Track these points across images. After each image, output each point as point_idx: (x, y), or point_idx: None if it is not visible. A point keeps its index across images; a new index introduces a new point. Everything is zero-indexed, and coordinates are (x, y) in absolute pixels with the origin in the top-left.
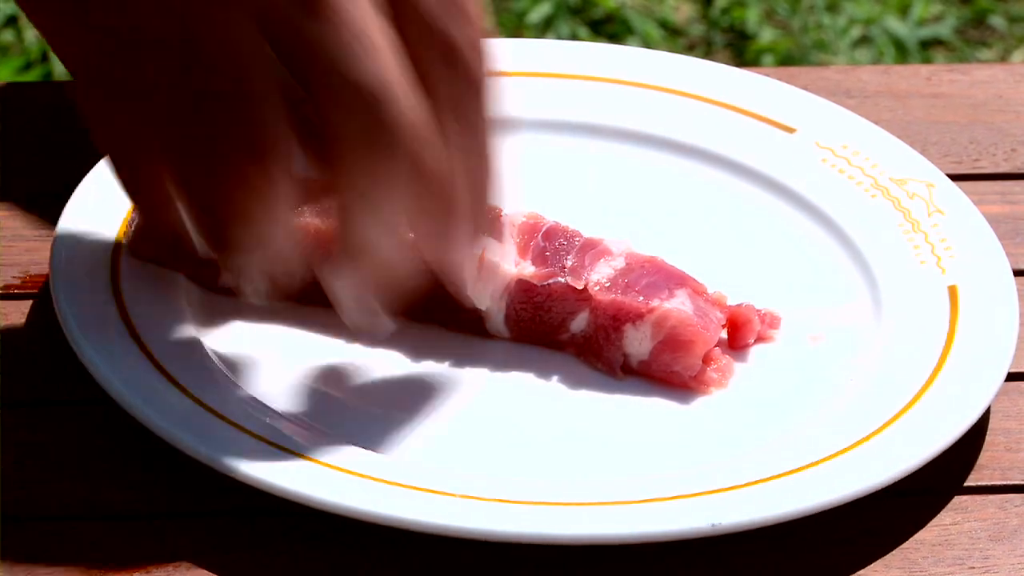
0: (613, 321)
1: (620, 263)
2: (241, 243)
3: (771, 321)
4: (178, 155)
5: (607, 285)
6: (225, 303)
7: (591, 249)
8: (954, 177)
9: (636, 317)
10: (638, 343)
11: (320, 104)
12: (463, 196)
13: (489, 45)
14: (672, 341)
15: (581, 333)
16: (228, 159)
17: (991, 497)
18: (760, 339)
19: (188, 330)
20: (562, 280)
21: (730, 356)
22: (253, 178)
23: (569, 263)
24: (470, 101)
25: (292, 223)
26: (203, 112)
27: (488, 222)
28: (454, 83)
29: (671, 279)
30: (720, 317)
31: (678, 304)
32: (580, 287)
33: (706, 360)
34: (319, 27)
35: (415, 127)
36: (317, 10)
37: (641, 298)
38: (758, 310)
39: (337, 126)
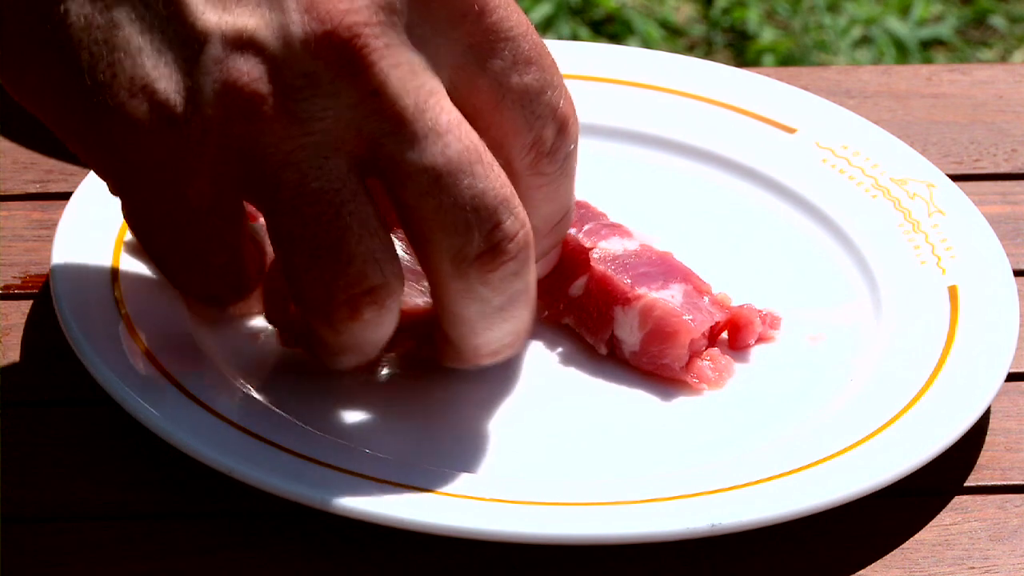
0: (604, 297)
1: (633, 246)
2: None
3: (771, 321)
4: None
5: (608, 259)
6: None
7: (612, 226)
8: (954, 177)
9: (624, 301)
10: (628, 331)
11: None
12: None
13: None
14: (658, 332)
15: (577, 301)
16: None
17: (991, 497)
18: (761, 339)
19: (188, 330)
20: (574, 233)
21: (730, 357)
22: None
23: (587, 228)
24: (557, 153)
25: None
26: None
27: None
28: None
29: (672, 273)
30: (713, 312)
31: (667, 296)
32: (587, 246)
33: (696, 354)
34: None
35: (520, 230)
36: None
37: (629, 281)
38: (759, 310)
39: (438, 243)
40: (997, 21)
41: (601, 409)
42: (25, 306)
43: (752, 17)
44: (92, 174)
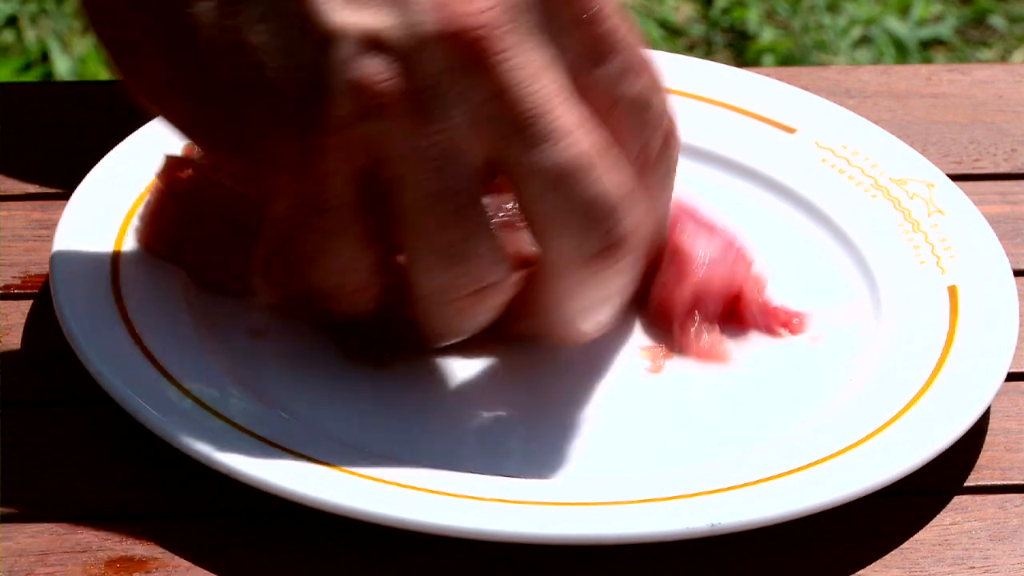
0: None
1: (710, 223)
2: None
3: (785, 316)
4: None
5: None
6: (225, 303)
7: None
8: (954, 177)
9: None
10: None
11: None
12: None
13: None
14: (676, 264)
15: None
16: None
17: (991, 497)
18: (768, 328)
19: (188, 330)
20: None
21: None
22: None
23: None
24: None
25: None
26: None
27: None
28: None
29: (727, 245)
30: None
31: (702, 244)
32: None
33: (703, 315)
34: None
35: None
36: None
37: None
38: (781, 308)
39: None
40: (997, 21)
41: (600, 409)
42: (25, 306)
43: (752, 17)
44: (92, 174)
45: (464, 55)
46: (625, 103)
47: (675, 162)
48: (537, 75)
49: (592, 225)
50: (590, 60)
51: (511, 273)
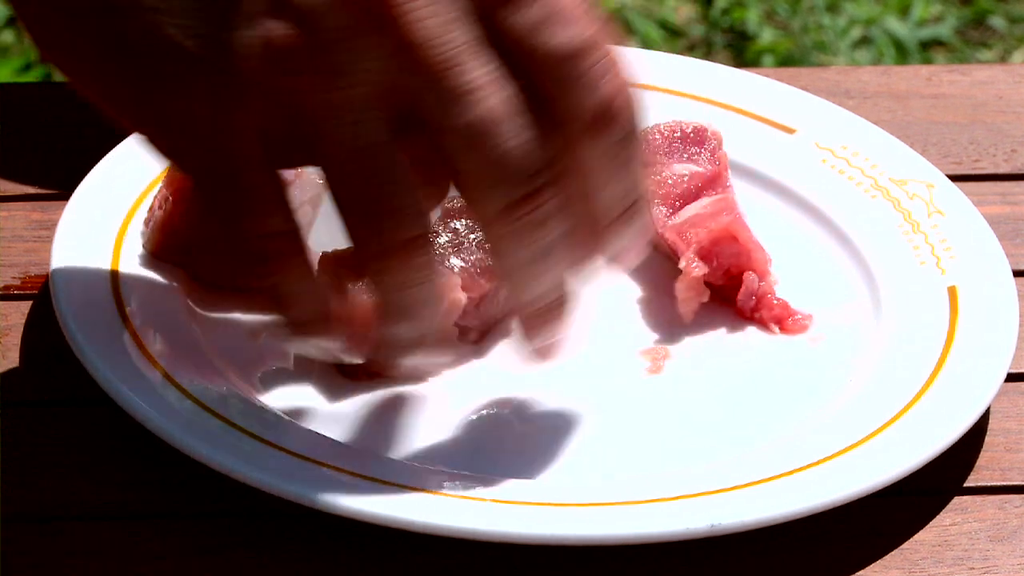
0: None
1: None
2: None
3: (783, 311)
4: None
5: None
6: (222, 303)
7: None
8: (954, 178)
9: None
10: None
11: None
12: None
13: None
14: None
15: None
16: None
17: (991, 498)
18: (762, 320)
19: (188, 330)
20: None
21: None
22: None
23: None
24: (603, 126)
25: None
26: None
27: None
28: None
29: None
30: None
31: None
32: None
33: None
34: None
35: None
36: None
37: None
38: (781, 302)
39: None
40: (997, 22)
41: (600, 410)
42: (25, 306)
43: (752, 18)
44: (92, 174)
45: (366, 8)
46: (543, 53)
47: (634, 136)
48: (446, 27)
49: (503, 179)
50: (503, 4)
51: (430, 230)
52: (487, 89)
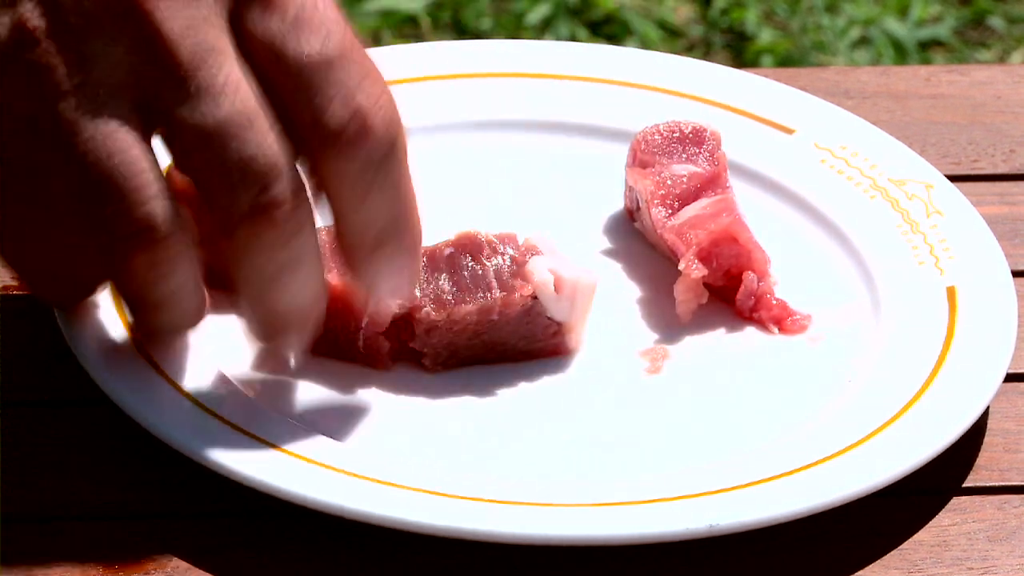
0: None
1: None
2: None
3: (782, 311)
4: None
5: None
6: (223, 303)
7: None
8: (953, 178)
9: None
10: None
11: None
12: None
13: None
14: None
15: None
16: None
17: (990, 498)
18: (761, 320)
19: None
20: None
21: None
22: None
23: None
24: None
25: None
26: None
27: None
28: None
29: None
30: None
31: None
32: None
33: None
34: (193, 108)
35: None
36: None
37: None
38: (780, 302)
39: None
40: (995, 22)
41: (600, 410)
42: (25, 306)
43: (750, 18)
44: None
45: (120, 1)
46: (290, 61)
47: (392, 160)
48: (192, 28)
49: (240, 186)
50: (253, 7)
51: (178, 225)
52: (230, 91)
